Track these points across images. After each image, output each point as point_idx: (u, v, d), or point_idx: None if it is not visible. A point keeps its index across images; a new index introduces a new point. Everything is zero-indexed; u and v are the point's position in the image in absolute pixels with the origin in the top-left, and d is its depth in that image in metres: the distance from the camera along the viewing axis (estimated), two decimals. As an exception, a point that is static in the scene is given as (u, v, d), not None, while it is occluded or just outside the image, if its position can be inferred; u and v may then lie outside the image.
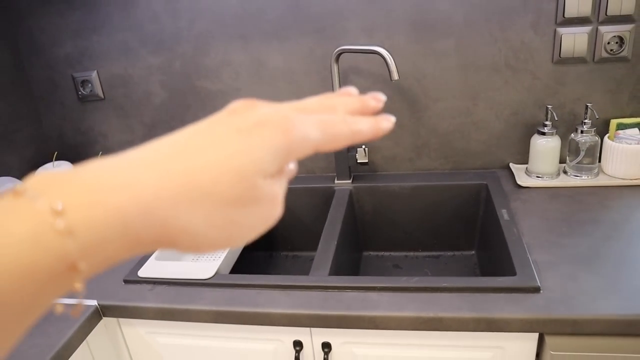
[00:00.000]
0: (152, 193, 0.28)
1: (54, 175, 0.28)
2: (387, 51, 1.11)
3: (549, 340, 0.85)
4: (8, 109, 1.42)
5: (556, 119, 1.21)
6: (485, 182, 1.27)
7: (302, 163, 1.43)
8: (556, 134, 1.22)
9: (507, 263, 0.98)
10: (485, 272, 1.22)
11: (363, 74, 1.30)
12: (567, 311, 0.82)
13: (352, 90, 0.37)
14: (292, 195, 1.37)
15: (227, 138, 0.30)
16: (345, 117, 0.34)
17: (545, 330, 0.84)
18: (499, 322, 0.83)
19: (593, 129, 1.19)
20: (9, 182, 1.26)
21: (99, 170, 0.29)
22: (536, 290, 0.87)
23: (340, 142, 0.33)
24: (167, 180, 0.28)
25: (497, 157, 1.34)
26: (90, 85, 1.45)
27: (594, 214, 1.09)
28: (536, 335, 0.87)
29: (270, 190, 0.31)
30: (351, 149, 1.32)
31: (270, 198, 0.32)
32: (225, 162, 0.30)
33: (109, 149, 1.53)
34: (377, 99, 0.37)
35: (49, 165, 1.47)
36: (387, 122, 0.35)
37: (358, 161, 1.30)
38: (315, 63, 1.30)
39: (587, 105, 1.18)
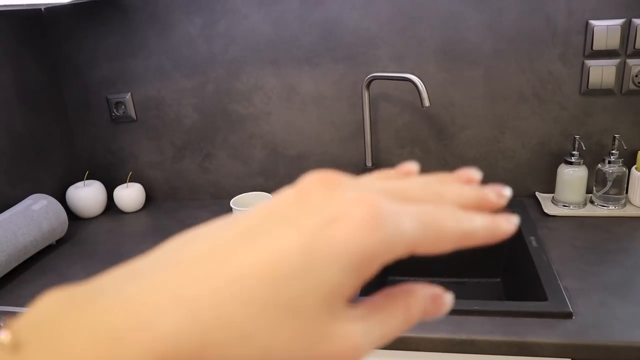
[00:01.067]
0: (210, 310, 0.20)
1: (57, 307, 0.20)
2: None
3: (581, 367, 0.84)
4: (42, 128, 1.47)
5: (584, 148, 1.22)
6: (511, 210, 1.27)
7: (328, 187, 1.44)
8: (583, 164, 1.23)
9: (537, 289, 0.98)
10: (511, 299, 1.21)
11: (392, 101, 1.32)
12: (601, 337, 0.82)
13: (473, 174, 0.29)
14: (319, 219, 1.38)
15: (286, 245, 0.21)
16: (456, 211, 0.25)
17: (577, 356, 0.83)
18: (531, 346, 0.83)
19: (620, 160, 1.20)
20: (41, 199, 1.29)
21: (125, 289, 0.21)
22: (568, 315, 0.87)
23: (443, 245, 0.24)
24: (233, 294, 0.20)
25: (523, 186, 1.35)
26: (123, 107, 1.50)
27: (623, 244, 1.09)
28: (568, 362, 0.86)
29: (342, 332, 0.21)
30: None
31: (344, 344, 0.21)
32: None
33: (139, 170, 1.56)
34: (500, 194, 0.27)
35: (80, 184, 1.50)
36: (509, 224, 0.26)
37: (386, 186, 1.31)
38: (345, 89, 1.34)
39: (615, 137, 1.19)
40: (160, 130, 1.50)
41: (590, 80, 1.21)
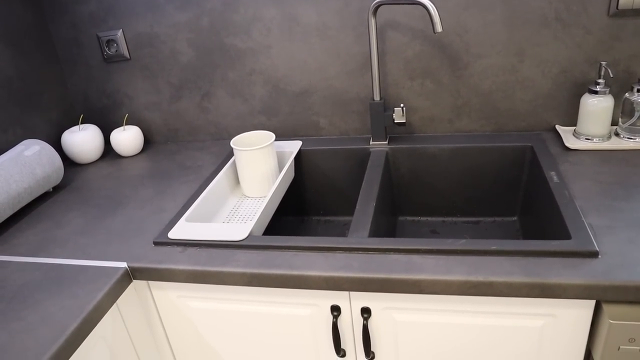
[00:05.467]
0: None
1: None
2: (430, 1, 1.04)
3: (607, 308, 0.79)
4: (33, 71, 1.38)
5: (611, 76, 1.12)
6: (530, 144, 1.19)
7: (335, 125, 1.37)
8: (609, 93, 1.14)
9: (559, 227, 0.91)
10: (529, 239, 1.15)
11: (401, 29, 1.22)
12: (629, 277, 0.76)
13: None
14: (325, 157, 1.32)
15: None
16: None
17: (603, 297, 0.78)
18: (554, 287, 0.78)
19: (650, 87, 1.11)
20: (33, 144, 1.23)
21: None
22: (594, 255, 0.81)
23: None
24: None
25: (542, 119, 1.26)
26: (115, 45, 1.41)
27: (651, 177, 1.02)
28: (592, 303, 0.81)
29: None
30: (388, 109, 1.25)
31: None
32: None
33: (135, 111, 1.49)
34: None
35: (75, 128, 1.44)
36: None
37: (395, 121, 1.23)
38: (350, 17, 1.23)
39: (645, 61, 1.09)
40: (155, 68, 1.42)
41: (620, -1, 1.10)
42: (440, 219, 1.32)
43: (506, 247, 0.83)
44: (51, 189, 1.28)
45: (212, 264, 0.91)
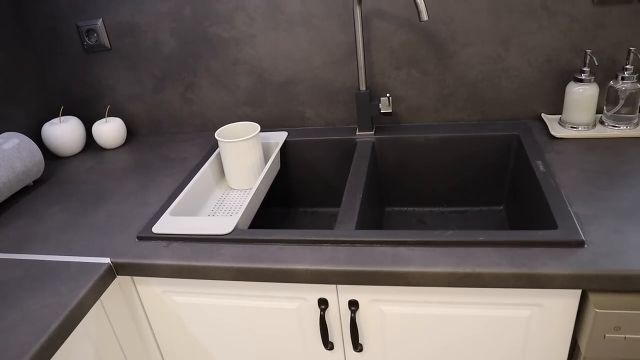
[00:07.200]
0: None
1: None
2: (416, -10, 1.03)
3: (593, 297, 0.79)
4: (10, 62, 1.35)
5: (596, 64, 1.12)
6: (516, 133, 1.19)
7: (321, 115, 1.35)
8: (594, 81, 1.14)
9: (545, 216, 0.91)
10: (516, 228, 1.16)
11: (387, 18, 1.21)
12: (615, 266, 0.76)
13: None
14: (311, 148, 1.30)
15: None
16: None
17: (590, 286, 0.78)
18: (541, 278, 0.78)
19: (635, 76, 1.11)
20: (12, 137, 1.20)
21: None
22: (580, 244, 0.81)
23: None
24: None
25: (528, 108, 1.26)
26: (95, 34, 1.37)
27: (636, 166, 1.02)
28: (578, 292, 0.81)
29: None
30: (374, 99, 1.24)
31: None
32: None
33: (117, 103, 1.46)
34: None
35: (55, 120, 1.41)
36: None
37: (381, 111, 1.22)
38: (335, 6, 1.21)
39: (630, 50, 1.09)
40: (137, 59, 1.39)
41: (605, -14, 1.10)
42: (428, 209, 1.32)
43: (493, 238, 0.83)
44: (32, 183, 1.26)
45: (197, 259, 0.89)
